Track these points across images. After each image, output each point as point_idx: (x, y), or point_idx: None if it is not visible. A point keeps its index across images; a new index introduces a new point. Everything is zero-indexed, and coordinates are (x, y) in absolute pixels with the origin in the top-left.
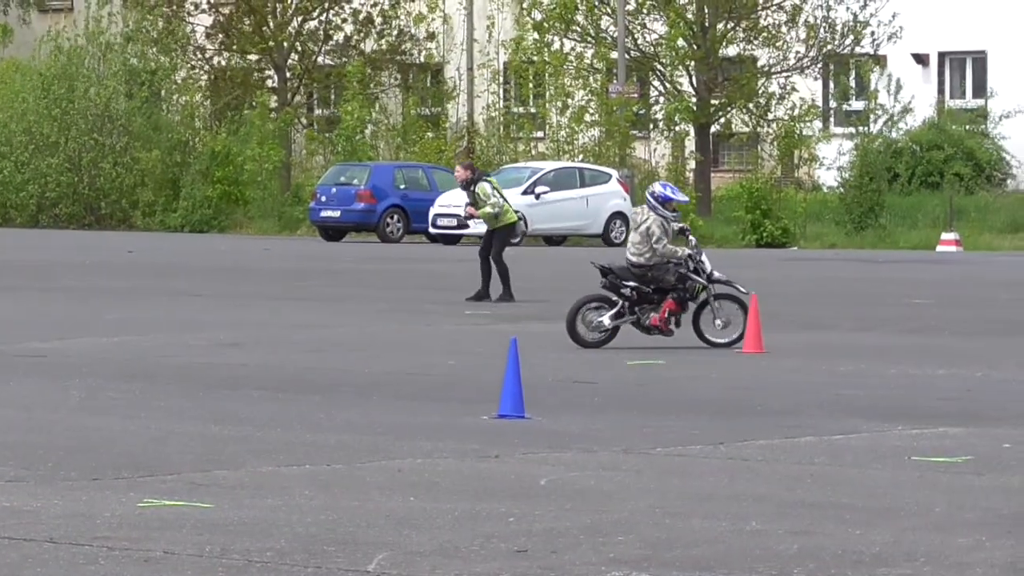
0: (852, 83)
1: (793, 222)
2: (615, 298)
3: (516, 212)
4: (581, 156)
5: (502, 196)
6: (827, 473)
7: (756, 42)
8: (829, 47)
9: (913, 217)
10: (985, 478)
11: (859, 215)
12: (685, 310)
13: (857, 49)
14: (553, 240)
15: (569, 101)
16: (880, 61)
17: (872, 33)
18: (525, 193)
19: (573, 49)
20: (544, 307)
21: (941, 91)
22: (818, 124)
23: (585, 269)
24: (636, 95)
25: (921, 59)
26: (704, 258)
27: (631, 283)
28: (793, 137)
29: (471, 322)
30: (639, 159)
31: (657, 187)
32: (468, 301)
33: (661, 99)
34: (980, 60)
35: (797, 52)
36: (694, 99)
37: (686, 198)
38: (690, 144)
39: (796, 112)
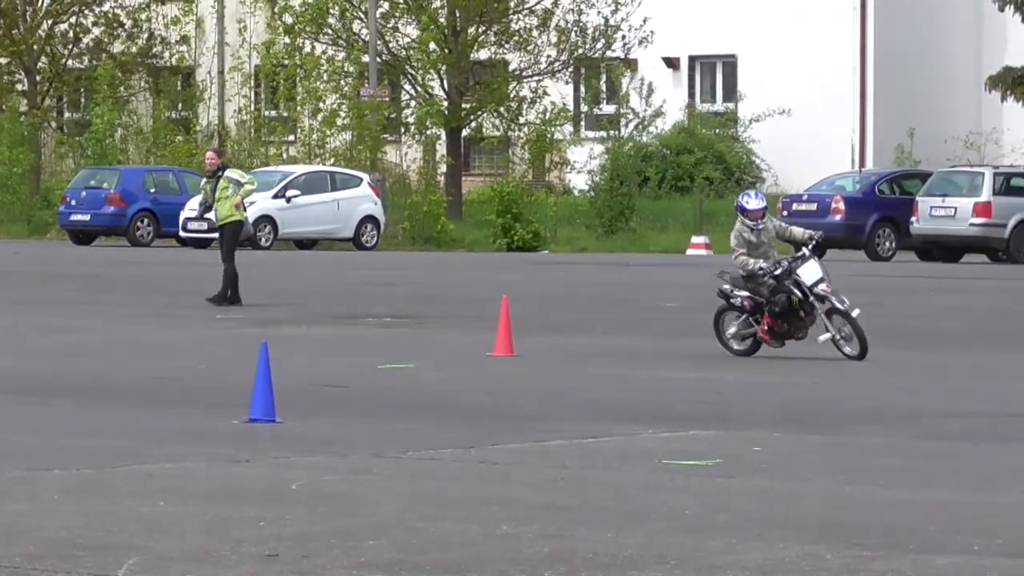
0: (603, 87)
1: (544, 226)
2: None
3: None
4: (332, 160)
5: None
6: (578, 476)
7: (507, 46)
8: (580, 51)
9: (664, 221)
10: (735, 481)
11: (610, 219)
12: (789, 324)
13: (608, 53)
14: (304, 244)
15: (321, 105)
16: (631, 65)
17: (623, 37)
18: (276, 197)
19: (325, 52)
20: (294, 311)
21: (692, 95)
22: (569, 128)
23: (338, 273)
24: (387, 99)
25: (672, 63)
26: (805, 270)
27: (742, 293)
28: (544, 141)
29: (222, 326)
30: (390, 163)
31: (741, 198)
32: (208, 301)
33: (412, 103)
34: (730, 64)
35: (548, 56)
36: (445, 103)
37: (757, 206)
38: (441, 148)
39: (547, 116)
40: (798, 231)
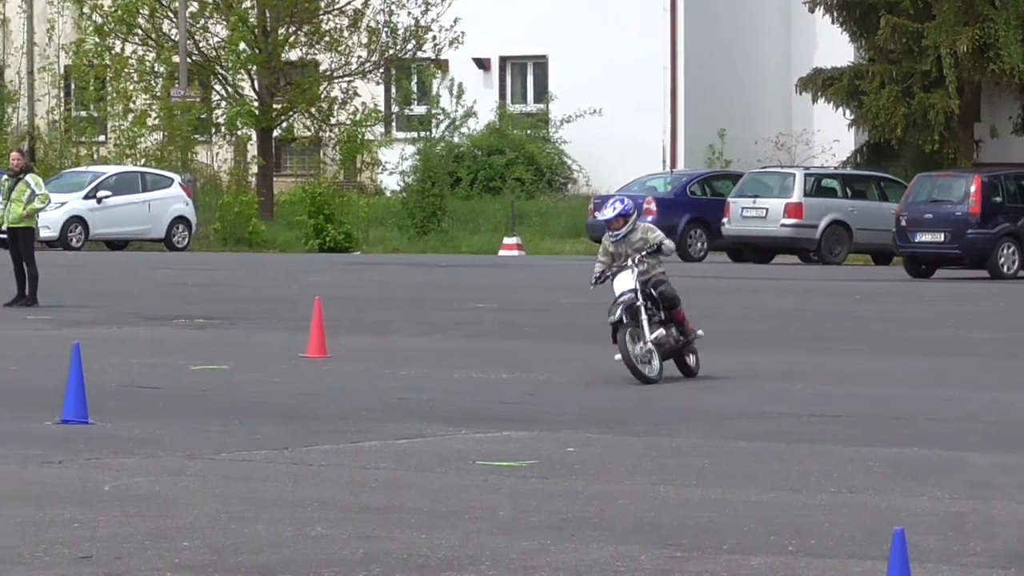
0: (414, 88)
1: (356, 227)
2: None
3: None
4: (143, 160)
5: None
6: (392, 477)
7: (318, 47)
8: (391, 52)
9: (475, 222)
10: (549, 482)
11: (422, 219)
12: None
13: (419, 54)
14: (115, 244)
15: (131, 105)
16: (442, 66)
17: (434, 38)
18: (87, 197)
19: (135, 52)
20: (106, 312)
21: (503, 96)
22: (380, 129)
23: (146, 274)
24: (198, 99)
25: (483, 64)
26: (617, 282)
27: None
28: (355, 142)
29: (32, 327)
30: (201, 163)
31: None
32: (7, 307)
33: (223, 103)
34: (541, 65)
35: (359, 57)
36: (256, 103)
37: (609, 215)
38: (253, 148)
39: (358, 116)
40: (652, 236)
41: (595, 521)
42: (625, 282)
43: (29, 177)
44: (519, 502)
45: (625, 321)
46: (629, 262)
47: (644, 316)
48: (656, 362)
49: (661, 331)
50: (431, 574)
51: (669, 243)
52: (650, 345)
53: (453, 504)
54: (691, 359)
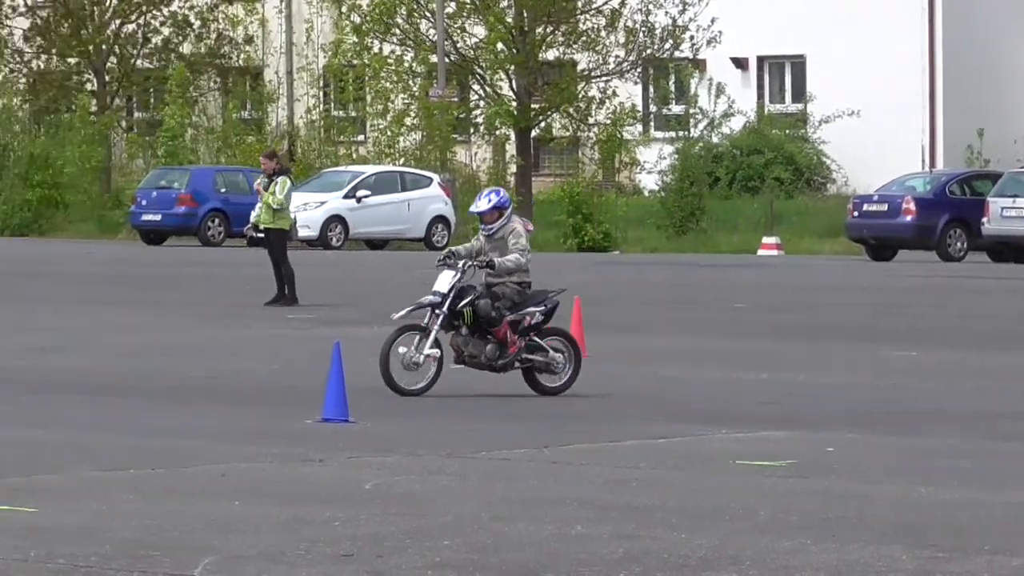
0: (672, 87)
1: (614, 226)
2: None
3: (292, 215)
4: (402, 160)
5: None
6: (651, 476)
7: (575, 46)
8: (649, 51)
9: (734, 221)
10: (809, 481)
11: (680, 219)
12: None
13: (676, 53)
14: (374, 244)
15: (389, 105)
16: (699, 65)
17: (691, 38)
18: (346, 197)
19: (393, 52)
20: (365, 311)
21: (761, 95)
22: (638, 128)
23: (408, 273)
24: (456, 99)
25: (740, 63)
26: (439, 279)
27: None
28: (613, 141)
29: (293, 326)
30: (460, 163)
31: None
32: (267, 306)
33: (481, 103)
34: (799, 65)
35: (617, 56)
36: (514, 103)
37: (482, 207)
38: (511, 148)
39: (616, 116)
40: (511, 244)
41: (854, 521)
42: (441, 283)
43: (278, 179)
44: (779, 502)
45: (424, 323)
46: (460, 264)
47: (435, 324)
48: (426, 374)
49: (483, 344)
50: (691, 573)
51: (513, 259)
52: (425, 354)
53: (712, 503)
54: (547, 378)
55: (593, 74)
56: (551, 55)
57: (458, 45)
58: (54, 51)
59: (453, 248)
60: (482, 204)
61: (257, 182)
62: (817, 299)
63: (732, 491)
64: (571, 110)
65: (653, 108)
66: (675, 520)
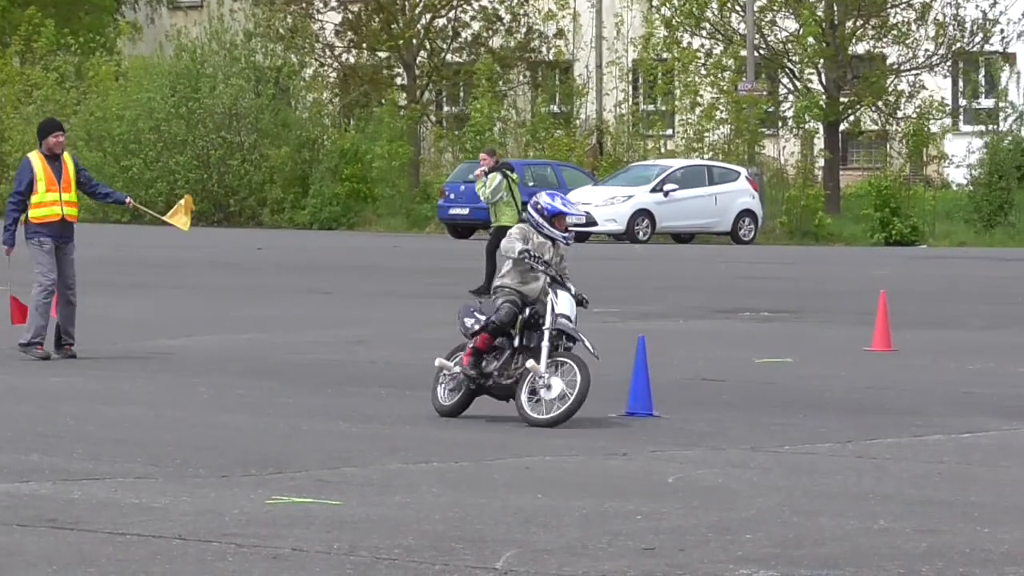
0: (981, 81)
1: (922, 220)
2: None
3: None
4: (710, 154)
5: (515, 198)
6: (955, 471)
7: (885, 40)
8: (958, 45)
9: None
10: None
11: (988, 213)
12: (516, 348)
13: (986, 47)
14: (681, 238)
15: (699, 99)
16: (1010, 59)
17: (1002, 31)
18: (653, 191)
19: (702, 46)
20: (671, 305)
21: None
22: (947, 122)
23: (713, 268)
24: (765, 93)
25: None
26: (562, 297)
27: (481, 316)
28: (922, 135)
29: (598, 320)
30: (768, 157)
31: (543, 198)
32: (471, 293)
33: (790, 97)
34: None
35: (926, 50)
36: (823, 97)
37: (581, 214)
38: (819, 142)
39: (924, 109)
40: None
41: None
42: (569, 305)
43: (491, 174)
44: None
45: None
46: (565, 282)
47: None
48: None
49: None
50: (995, 569)
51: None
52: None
53: (1017, 499)
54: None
55: (903, 67)
56: (861, 48)
57: (768, 39)
58: (365, 45)
59: (528, 249)
60: (574, 208)
61: (475, 173)
62: None
63: None
64: (880, 103)
65: (962, 102)
66: (978, 515)
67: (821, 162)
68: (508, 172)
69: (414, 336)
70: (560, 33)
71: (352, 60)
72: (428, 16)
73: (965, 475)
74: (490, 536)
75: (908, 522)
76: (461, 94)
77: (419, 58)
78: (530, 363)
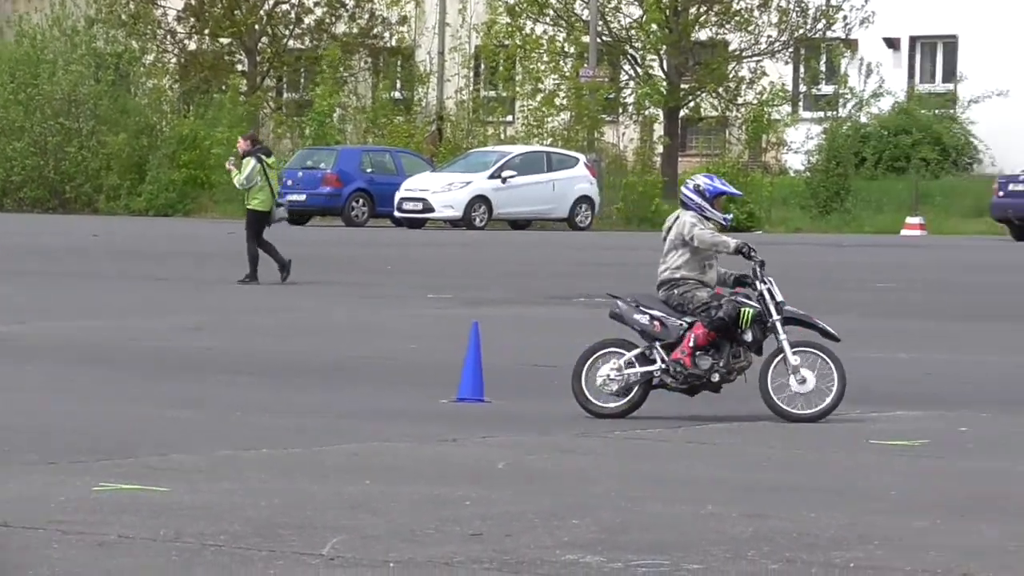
0: (822, 67)
1: (759, 206)
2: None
3: (279, 202)
4: (550, 140)
5: (270, 183)
6: (785, 456)
7: (728, 26)
8: (801, 31)
9: (879, 201)
10: (942, 461)
11: (825, 199)
12: (736, 340)
13: (828, 33)
14: (518, 224)
15: (540, 85)
16: (851, 46)
17: (844, 18)
18: (491, 177)
19: (545, 32)
20: (506, 291)
21: (911, 75)
22: (787, 108)
23: (552, 253)
24: (606, 79)
25: (892, 43)
26: (774, 281)
27: (652, 311)
28: (762, 121)
29: (433, 306)
30: (607, 143)
31: (702, 180)
32: (239, 283)
33: (632, 83)
34: (951, 44)
35: (768, 36)
36: (664, 83)
37: (739, 191)
38: (659, 128)
39: (765, 96)
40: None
41: (987, 501)
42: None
43: (245, 160)
44: (911, 482)
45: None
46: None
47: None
48: None
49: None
50: (820, 553)
51: None
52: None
53: (844, 483)
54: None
55: (744, 54)
56: (703, 35)
57: (611, 25)
58: (207, 31)
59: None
60: (735, 189)
61: (228, 162)
62: (962, 279)
63: (864, 470)
64: (720, 90)
65: (803, 88)
66: (805, 499)
67: (660, 148)
68: (263, 157)
69: (248, 323)
70: (403, 20)
71: (193, 46)
72: (271, 2)
73: (794, 460)
74: (318, 522)
75: (736, 507)
76: (302, 80)
77: (260, 44)
78: (791, 356)
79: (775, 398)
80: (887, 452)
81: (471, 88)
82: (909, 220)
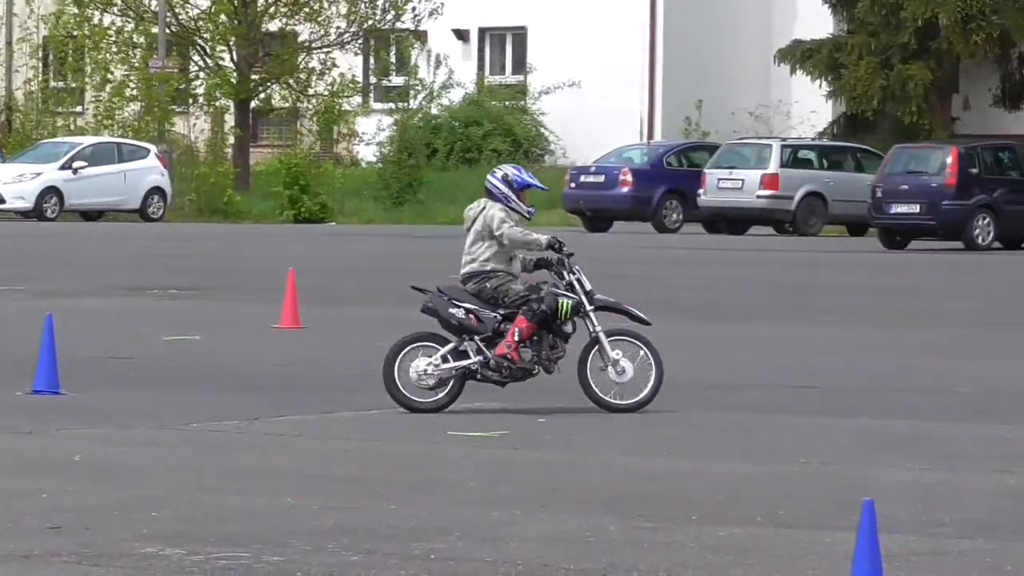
0: (393, 59)
1: (331, 197)
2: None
3: None
4: (120, 131)
5: None
6: (363, 448)
7: (298, 17)
8: (370, 22)
9: (452, 193)
10: (520, 453)
11: (397, 191)
12: (552, 331)
13: (398, 25)
14: (90, 215)
15: (109, 76)
16: (421, 37)
17: (413, 9)
18: (62, 168)
19: (114, 23)
20: (80, 282)
21: (481, 67)
22: (358, 99)
23: (124, 245)
24: (176, 70)
25: (462, 35)
26: (582, 274)
27: (465, 304)
28: (333, 113)
29: (6, 297)
30: (179, 134)
31: (510, 170)
32: None
33: (202, 74)
34: (520, 36)
35: (338, 28)
36: (235, 74)
37: (547, 187)
38: (230, 119)
39: (336, 87)
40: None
41: (566, 492)
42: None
43: None
44: (490, 473)
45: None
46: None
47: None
48: None
49: None
50: (400, 545)
51: None
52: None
53: (424, 475)
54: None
55: (314, 45)
56: (274, 26)
57: (180, 16)
58: None
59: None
60: (540, 183)
61: None
62: None
63: (444, 462)
64: (291, 81)
65: (373, 79)
66: (385, 491)
67: (232, 140)
68: None
69: None
70: None
71: None
72: None
73: (373, 452)
74: None
75: (315, 499)
76: None
77: None
78: (608, 348)
79: (596, 389)
80: (466, 443)
81: (40, 79)
82: None
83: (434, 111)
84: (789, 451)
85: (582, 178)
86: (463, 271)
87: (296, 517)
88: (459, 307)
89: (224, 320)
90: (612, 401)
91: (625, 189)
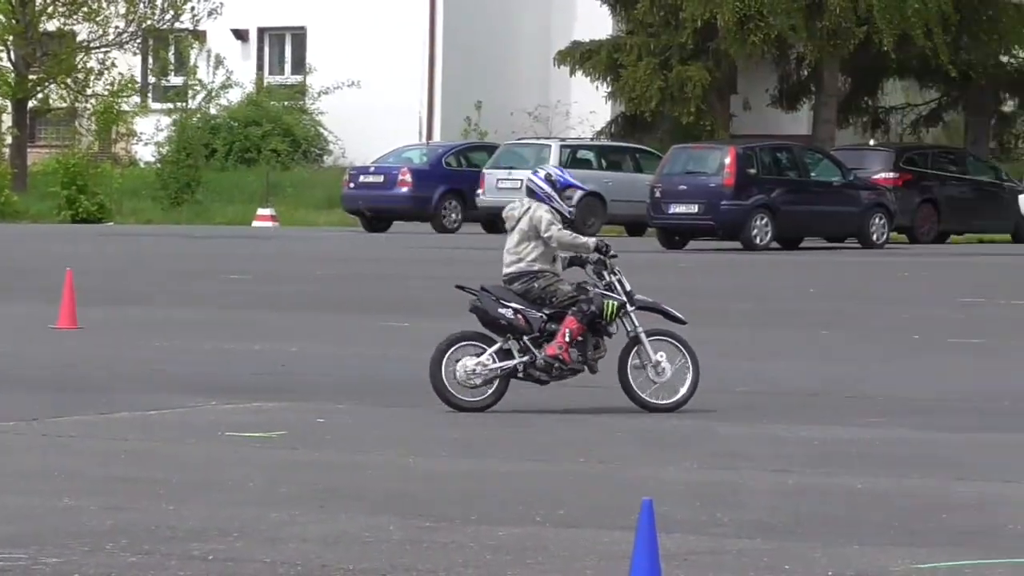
0: (172, 59)
1: (109, 198)
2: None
3: None
4: None
5: None
6: (141, 449)
7: (76, 17)
8: (149, 22)
9: (230, 193)
10: (299, 452)
11: (176, 191)
12: (601, 333)
13: (177, 24)
14: None
15: None
16: (200, 37)
17: (192, 9)
18: None
19: None
20: None
21: (260, 67)
22: (136, 99)
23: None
24: None
25: (241, 35)
26: (623, 275)
27: (513, 304)
28: (111, 112)
29: None
30: None
31: (553, 170)
32: None
33: None
34: (300, 36)
35: (117, 27)
36: (12, 74)
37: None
38: (7, 119)
39: (115, 87)
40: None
41: (345, 492)
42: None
43: None
44: (269, 473)
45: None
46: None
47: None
48: None
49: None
50: (179, 545)
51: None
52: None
53: (203, 476)
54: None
55: (93, 45)
56: (52, 26)
57: None
58: None
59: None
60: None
61: None
62: (312, 270)
63: (222, 463)
64: (69, 81)
65: (152, 79)
66: (164, 492)
67: (9, 140)
68: None
69: None
70: None
71: None
72: None
73: (151, 452)
74: None
75: (94, 500)
76: None
77: None
78: (649, 347)
79: (636, 389)
80: (244, 444)
81: None
82: (260, 211)
83: (213, 111)
84: (567, 450)
85: (361, 178)
86: (508, 270)
87: (74, 518)
88: (507, 307)
89: (0, 320)
90: (651, 401)
91: (404, 189)
